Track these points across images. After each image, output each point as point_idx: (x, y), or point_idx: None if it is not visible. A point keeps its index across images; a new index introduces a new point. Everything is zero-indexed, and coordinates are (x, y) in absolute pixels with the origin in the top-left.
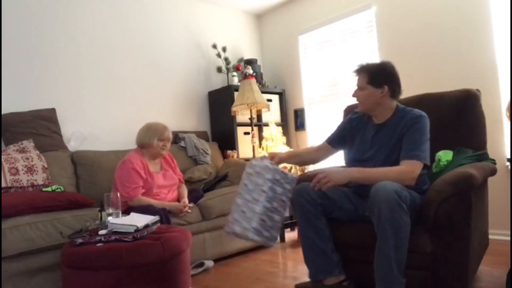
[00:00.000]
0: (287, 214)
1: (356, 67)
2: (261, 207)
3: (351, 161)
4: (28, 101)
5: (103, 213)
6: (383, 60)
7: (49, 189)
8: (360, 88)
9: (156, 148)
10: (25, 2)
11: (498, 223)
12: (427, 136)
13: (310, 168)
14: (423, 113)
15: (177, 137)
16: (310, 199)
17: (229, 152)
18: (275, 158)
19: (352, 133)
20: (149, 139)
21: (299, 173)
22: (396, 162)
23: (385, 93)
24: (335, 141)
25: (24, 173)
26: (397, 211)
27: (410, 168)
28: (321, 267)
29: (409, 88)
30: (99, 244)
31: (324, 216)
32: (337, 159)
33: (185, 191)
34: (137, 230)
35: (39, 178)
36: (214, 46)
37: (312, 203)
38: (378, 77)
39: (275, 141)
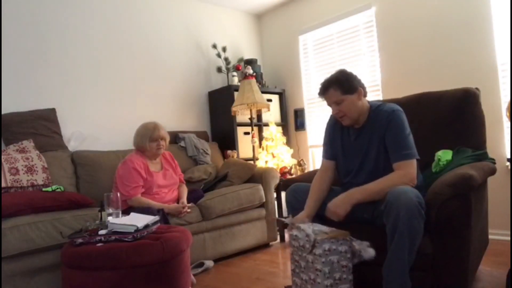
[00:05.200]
0: (351, 277)
1: (321, 87)
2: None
3: (344, 172)
4: (28, 101)
5: (103, 213)
6: (339, 69)
7: (49, 189)
8: (337, 102)
9: (151, 150)
10: (25, 2)
11: (498, 223)
12: (407, 130)
13: (310, 167)
14: (395, 107)
15: (177, 137)
16: (302, 201)
17: (229, 152)
18: (305, 219)
19: (338, 139)
20: (142, 143)
21: (299, 173)
22: (385, 166)
23: (361, 94)
24: (334, 155)
25: (24, 173)
26: (416, 217)
27: (406, 170)
28: None
29: (409, 87)
30: (99, 244)
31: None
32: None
33: (184, 191)
34: (137, 230)
35: (39, 178)
36: (214, 46)
37: (303, 204)
38: (350, 82)
39: (275, 141)
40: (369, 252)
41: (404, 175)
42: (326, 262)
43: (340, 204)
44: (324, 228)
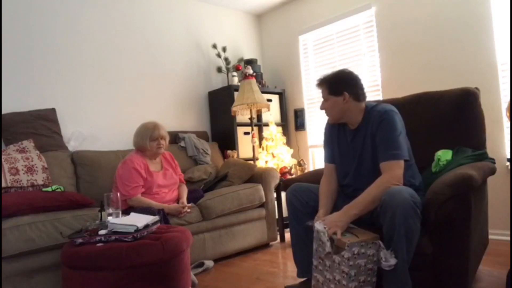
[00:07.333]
0: (374, 279)
1: (316, 81)
2: None
3: (342, 174)
4: (28, 101)
5: (103, 213)
6: (340, 69)
7: (49, 189)
8: (325, 99)
9: (151, 149)
10: (25, 2)
11: (498, 223)
12: (398, 131)
13: (309, 167)
14: (388, 108)
15: (177, 137)
16: (303, 200)
17: (229, 152)
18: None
19: (334, 141)
20: (142, 142)
21: (299, 173)
22: None
23: (347, 99)
24: (333, 157)
25: (24, 173)
26: (412, 217)
27: (391, 172)
28: (308, 267)
29: (409, 87)
30: (99, 244)
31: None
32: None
33: (184, 191)
34: (137, 230)
35: (39, 178)
36: (214, 46)
37: (304, 204)
38: (337, 86)
39: (275, 141)
40: (390, 261)
41: (390, 178)
42: (354, 266)
43: (339, 221)
44: (355, 227)
